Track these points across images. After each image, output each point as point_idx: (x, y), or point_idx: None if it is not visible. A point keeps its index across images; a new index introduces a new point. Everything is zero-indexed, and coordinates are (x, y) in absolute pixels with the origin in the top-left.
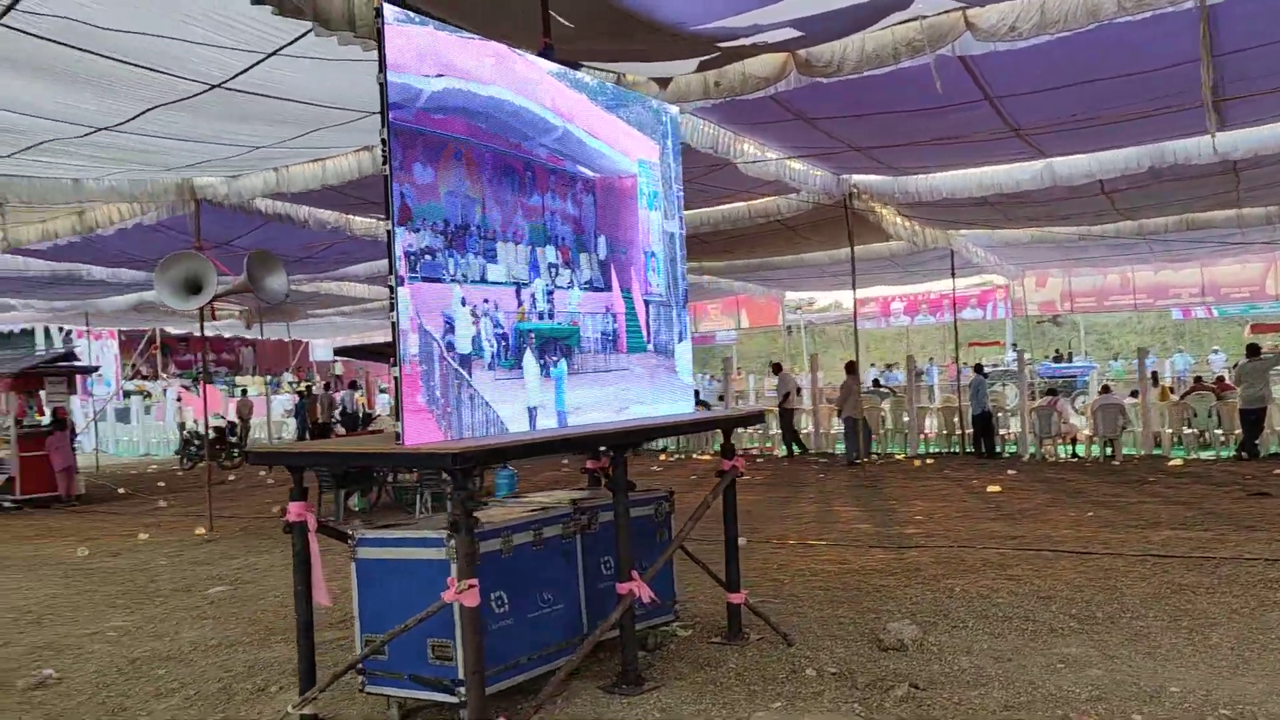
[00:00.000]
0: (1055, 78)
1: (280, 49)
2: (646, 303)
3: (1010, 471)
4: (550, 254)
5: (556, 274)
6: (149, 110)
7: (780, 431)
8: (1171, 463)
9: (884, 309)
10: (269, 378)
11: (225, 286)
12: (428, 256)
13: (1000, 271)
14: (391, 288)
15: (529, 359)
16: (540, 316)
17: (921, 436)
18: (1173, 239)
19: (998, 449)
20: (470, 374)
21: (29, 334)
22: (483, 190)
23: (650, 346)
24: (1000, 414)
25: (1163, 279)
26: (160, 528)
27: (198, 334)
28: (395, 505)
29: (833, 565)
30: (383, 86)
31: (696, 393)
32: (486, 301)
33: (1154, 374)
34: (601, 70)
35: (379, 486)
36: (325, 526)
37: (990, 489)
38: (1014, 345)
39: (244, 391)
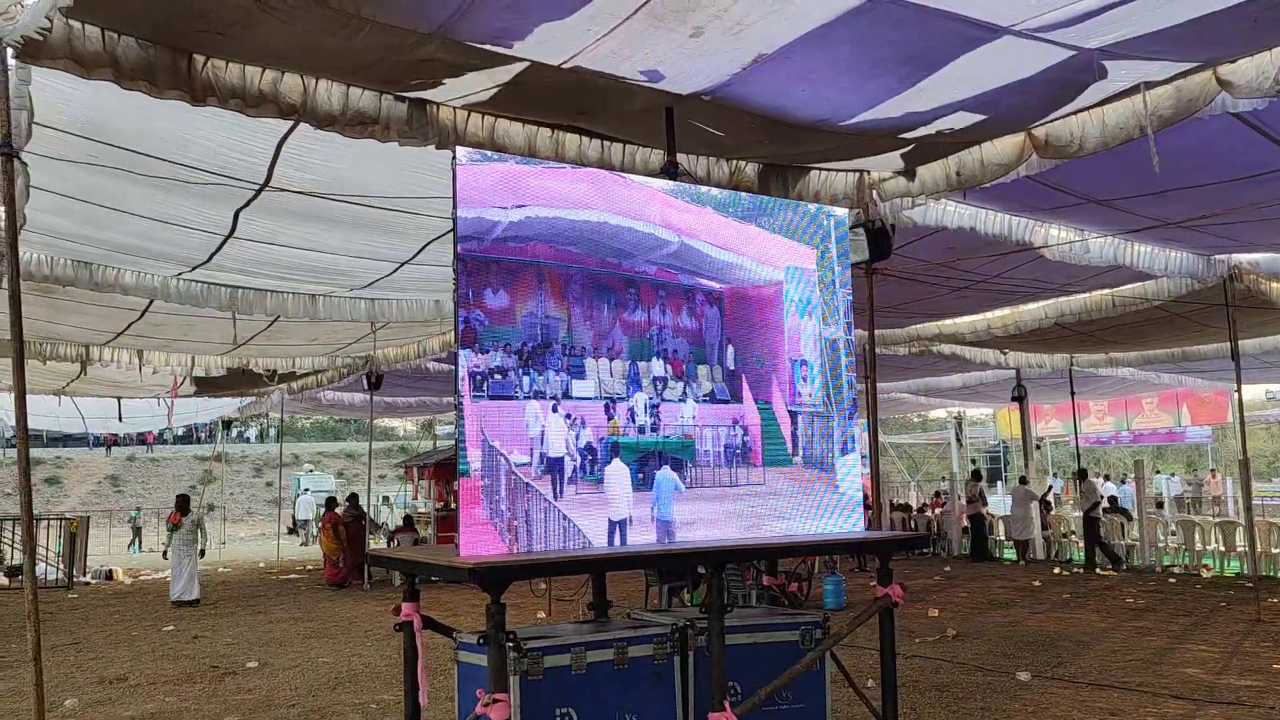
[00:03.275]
0: None
1: None
2: (793, 414)
3: None
4: (657, 367)
5: (664, 387)
6: (427, 245)
7: (1085, 542)
8: None
9: None
10: None
11: None
12: (498, 376)
13: None
14: (456, 405)
15: (615, 472)
16: (641, 430)
17: None
18: None
19: None
20: (556, 489)
21: None
22: (569, 310)
23: (798, 459)
24: None
25: None
26: (519, 609)
27: None
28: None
29: (1096, 717)
30: (454, 222)
31: (1114, 499)
32: (569, 417)
33: None
34: (827, 169)
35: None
36: (433, 623)
37: None
38: None
39: None
